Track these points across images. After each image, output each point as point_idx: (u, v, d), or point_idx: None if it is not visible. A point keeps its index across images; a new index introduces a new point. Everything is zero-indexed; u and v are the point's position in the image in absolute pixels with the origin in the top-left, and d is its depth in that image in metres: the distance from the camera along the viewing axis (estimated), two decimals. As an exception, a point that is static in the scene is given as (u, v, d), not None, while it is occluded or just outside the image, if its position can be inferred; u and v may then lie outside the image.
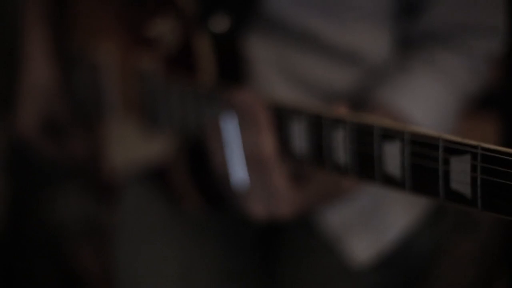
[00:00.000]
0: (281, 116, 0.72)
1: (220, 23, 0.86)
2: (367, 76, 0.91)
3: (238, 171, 0.76)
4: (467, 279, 1.12)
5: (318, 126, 0.68)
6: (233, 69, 0.89)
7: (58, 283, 1.90)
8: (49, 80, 1.07)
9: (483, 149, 0.51)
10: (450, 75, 0.87)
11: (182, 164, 0.93)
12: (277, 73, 0.92)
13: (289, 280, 0.95)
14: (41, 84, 1.06)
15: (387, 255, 0.94)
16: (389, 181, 0.61)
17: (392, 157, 0.60)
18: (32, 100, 1.04)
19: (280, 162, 0.73)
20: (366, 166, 0.63)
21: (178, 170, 0.93)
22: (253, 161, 0.73)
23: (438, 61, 0.87)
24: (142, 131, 0.98)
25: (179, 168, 0.93)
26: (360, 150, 0.63)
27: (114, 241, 0.99)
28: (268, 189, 0.73)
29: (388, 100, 0.83)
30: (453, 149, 0.54)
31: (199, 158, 0.93)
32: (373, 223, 0.95)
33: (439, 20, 0.88)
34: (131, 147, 1.03)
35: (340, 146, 0.65)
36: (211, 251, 0.94)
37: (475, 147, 0.52)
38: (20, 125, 1.02)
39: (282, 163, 0.73)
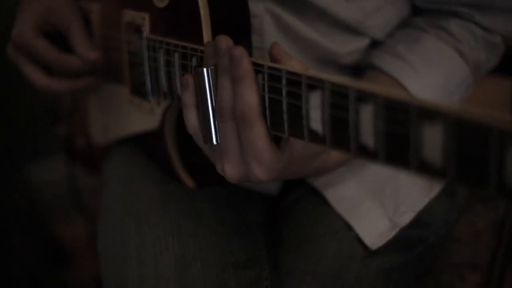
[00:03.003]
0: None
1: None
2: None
3: (213, 127, 0.67)
4: (488, 251, 1.04)
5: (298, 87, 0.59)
6: (232, 27, 0.79)
7: (40, 254, 1.84)
8: None
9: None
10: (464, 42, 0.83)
11: (170, 139, 0.84)
12: (277, 30, 0.86)
13: (293, 266, 0.87)
14: None
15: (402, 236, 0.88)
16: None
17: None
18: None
19: (262, 117, 0.63)
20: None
21: (165, 146, 0.84)
22: (231, 114, 0.64)
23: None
24: (129, 98, 0.89)
25: (166, 143, 0.84)
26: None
27: (100, 224, 0.89)
28: (246, 148, 0.64)
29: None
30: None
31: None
32: (387, 206, 0.89)
33: None
34: (116, 115, 0.95)
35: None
36: (208, 238, 0.84)
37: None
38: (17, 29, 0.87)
39: (264, 119, 0.63)
